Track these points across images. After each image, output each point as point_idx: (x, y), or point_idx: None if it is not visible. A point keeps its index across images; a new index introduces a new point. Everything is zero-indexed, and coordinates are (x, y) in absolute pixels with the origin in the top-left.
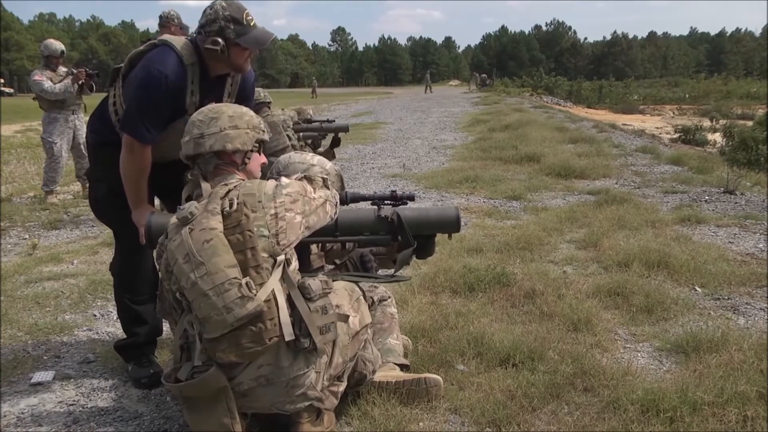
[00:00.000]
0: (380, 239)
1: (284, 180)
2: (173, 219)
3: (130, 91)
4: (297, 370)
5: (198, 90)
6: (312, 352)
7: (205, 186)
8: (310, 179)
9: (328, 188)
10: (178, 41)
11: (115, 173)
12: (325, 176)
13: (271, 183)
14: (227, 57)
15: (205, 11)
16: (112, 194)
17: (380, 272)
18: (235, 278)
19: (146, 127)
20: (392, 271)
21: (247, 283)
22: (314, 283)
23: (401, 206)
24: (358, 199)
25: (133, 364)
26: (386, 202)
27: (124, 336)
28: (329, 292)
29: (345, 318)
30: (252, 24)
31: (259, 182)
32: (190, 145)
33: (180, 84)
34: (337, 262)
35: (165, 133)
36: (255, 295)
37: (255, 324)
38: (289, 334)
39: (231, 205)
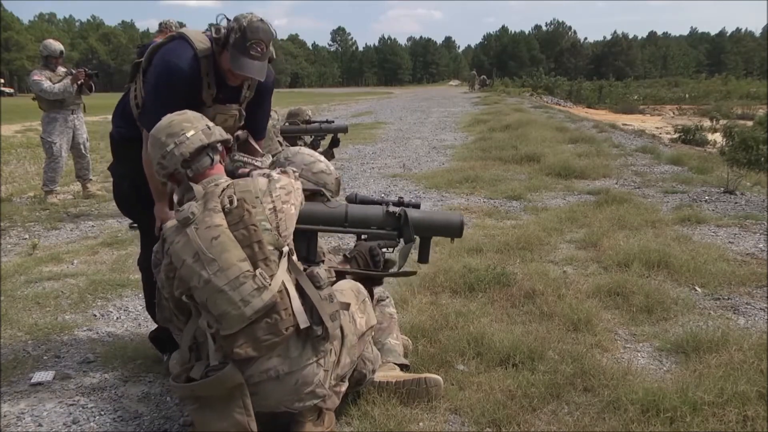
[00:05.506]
0: (387, 234)
1: (275, 175)
2: (170, 223)
3: (148, 84)
4: (306, 360)
5: (214, 83)
6: (321, 341)
7: (197, 188)
8: (287, 173)
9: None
10: (194, 33)
11: (138, 168)
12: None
13: (263, 179)
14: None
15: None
16: (136, 189)
17: None
18: (248, 271)
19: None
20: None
21: (260, 274)
22: (321, 272)
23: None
24: (366, 201)
25: (169, 354)
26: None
27: (156, 327)
28: (334, 281)
29: (347, 306)
30: (252, 51)
31: (251, 180)
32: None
33: (194, 75)
34: (347, 255)
35: None
36: (269, 285)
37: (270, 316)
38: (303, 321)
39: (231, 202)
